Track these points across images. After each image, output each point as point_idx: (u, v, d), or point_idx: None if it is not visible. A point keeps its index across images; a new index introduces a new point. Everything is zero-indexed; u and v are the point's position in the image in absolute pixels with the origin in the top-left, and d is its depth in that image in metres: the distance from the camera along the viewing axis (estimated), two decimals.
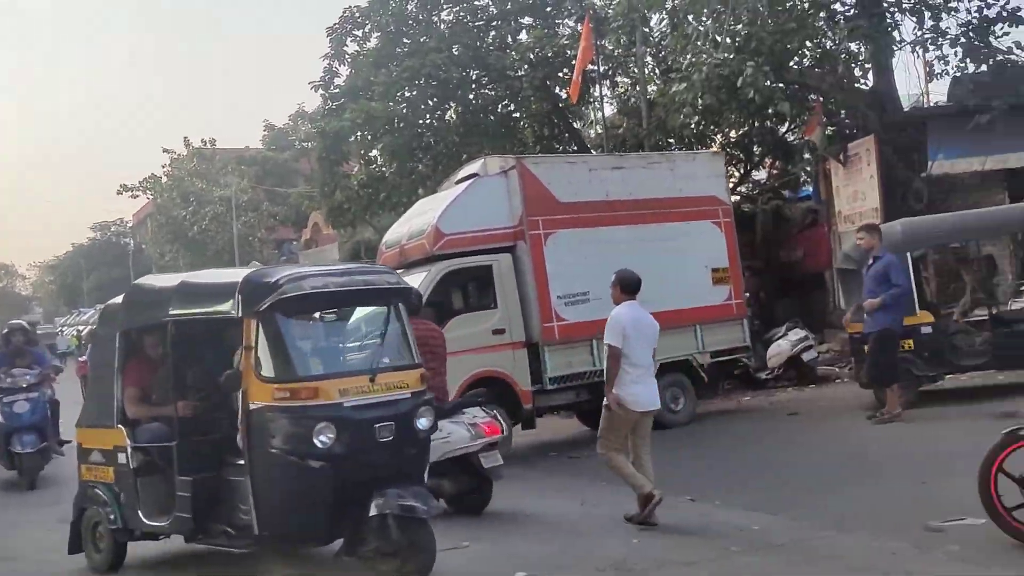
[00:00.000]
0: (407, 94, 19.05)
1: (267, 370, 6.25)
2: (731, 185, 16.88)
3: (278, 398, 6.16)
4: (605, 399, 7.56)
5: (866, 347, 10.86)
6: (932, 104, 17.89)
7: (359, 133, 18.85)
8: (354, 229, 23.87)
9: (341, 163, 20.44)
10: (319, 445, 6.04)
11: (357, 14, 19.93)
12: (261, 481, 6.25)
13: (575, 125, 22.42)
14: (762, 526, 7.11)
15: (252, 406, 6.25)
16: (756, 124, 18.65)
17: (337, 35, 19.94)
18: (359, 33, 20.16)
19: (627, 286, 7.66)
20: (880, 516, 6.96)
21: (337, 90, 19.91)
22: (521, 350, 11.53)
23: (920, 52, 15.68)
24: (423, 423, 6.54)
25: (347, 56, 20.04)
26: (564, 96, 20.09)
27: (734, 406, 14.13)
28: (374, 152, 20.64)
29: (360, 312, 7.38)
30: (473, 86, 20.54)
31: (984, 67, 14.64)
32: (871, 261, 10.74)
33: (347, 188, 20.46)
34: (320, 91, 19.92)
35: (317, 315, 6.99)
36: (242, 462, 6.38)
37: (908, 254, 11.38)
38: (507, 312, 11.51)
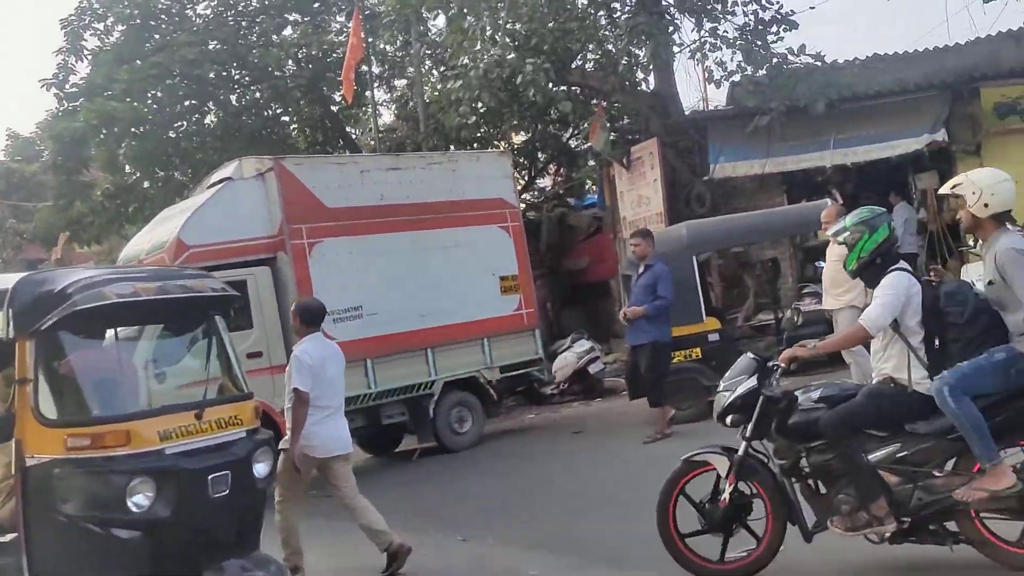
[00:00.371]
0: (157, 93, 17.07)
1: (52, 411, 4.73)
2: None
3: (72, 447, 4.64)
4: (280, 443, 6.64)
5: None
6: (712, 107, 17.96)
7: (101, 137, 16.67)
8: (100, 244, 21.40)
9: (80, 171, 18.10)
10: (134, 508, 4.61)
11: (96, 4, 17.68)
12: (44, 563, 4.65)
13: (351, 131, 21.08)
14: (541, 568, 6.37)
15: (31, 461, 4.67)
16: (539, 128, 18.21)
17: (73, 28, 17.62)
18: (100, 26, 17.93)
19: (309, 317, 6.87)
20: None
21: (75, 89, 17.57)
22: (282, 375, 10.21)
23: (699, 57, 15.60)
24: (261, 469, 5.27)
25: (86, 51, 17.74)
26: (339, 99, 18.76)
27: (518, 425, 13.37)
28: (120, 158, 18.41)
29: (175, 329, 5.84)
30: (235, 86, 18.79)
31: (762, 70, 14.65)
32: (642, 269, 10.25)
33: (89, 199, 18.19)
34: (53, 90, 17.52)
35: (120, 333, 5.41)
36: (8, 538, 4.80)
37: (694, 257, 11.17)
38: (265, 332, 10.34)
